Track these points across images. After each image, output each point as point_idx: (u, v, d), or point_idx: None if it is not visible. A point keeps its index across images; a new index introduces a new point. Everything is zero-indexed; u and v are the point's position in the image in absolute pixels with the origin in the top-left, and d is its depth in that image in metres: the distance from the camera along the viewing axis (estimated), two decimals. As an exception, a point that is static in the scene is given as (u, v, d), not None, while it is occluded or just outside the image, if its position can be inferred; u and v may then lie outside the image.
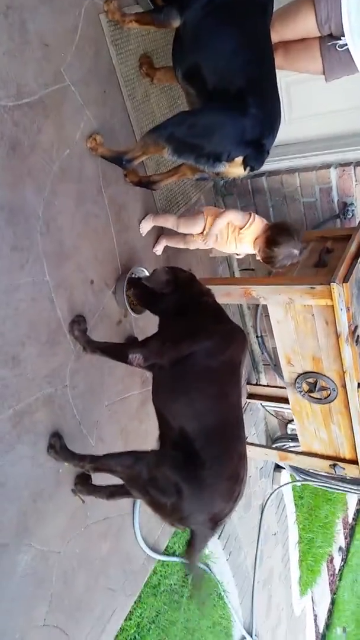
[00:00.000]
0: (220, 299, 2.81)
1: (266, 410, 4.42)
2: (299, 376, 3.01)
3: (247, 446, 3.71)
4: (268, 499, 4.69)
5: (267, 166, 3.39)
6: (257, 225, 2.62)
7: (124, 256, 2.70)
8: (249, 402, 4.18)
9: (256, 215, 2.64)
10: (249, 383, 4.17)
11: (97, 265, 2.51)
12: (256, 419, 4.39)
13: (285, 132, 3.37)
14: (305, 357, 2.90)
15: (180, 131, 2.13)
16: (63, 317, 2.30)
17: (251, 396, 4.17)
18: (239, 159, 2.12)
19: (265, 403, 4.18)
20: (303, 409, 3.14)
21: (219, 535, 3.84)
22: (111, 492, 2.33)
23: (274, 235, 2.52)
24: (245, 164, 2.13)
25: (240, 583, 4.28)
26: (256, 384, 4.21)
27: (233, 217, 2.62)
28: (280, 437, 4.53)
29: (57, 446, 2.24)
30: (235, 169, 2.15)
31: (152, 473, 1.97)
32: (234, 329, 2.16)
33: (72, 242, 2.34)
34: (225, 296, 2.88)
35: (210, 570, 3.81)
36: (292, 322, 2.80)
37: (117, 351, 2.25)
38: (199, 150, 2.11)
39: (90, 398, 2.50)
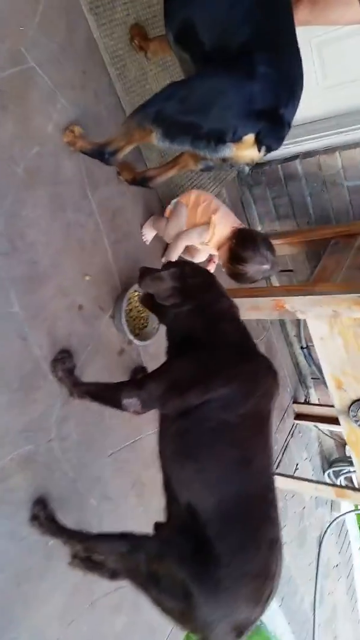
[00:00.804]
0: (247, 314, 2.30)
1: (320, 430, 3.82)
2: (353, 403, 2.43)
3: (295, 481, 3.19)
4: (327, 529, 4.09)
5: (300, 146, 2.82)
6: (220, 232, 2.16)
7: (124, 271, 2.22)
8: (298, 424, 3.60)
9: (217, 218, 2.17)
10: (296, 402, 3.60)
11: (87, 286, 2.05)
12: (308, 440, 3.81)
13: (319, 103, 2.79)
14: None
15: (170, 107, 1.62)
16: (42, 355, 1.86)
17: (300, 417, 3.59)
18: (250, 137, 1.58)
19: (317, 424, 3.59)
20: (360, 440, 2.56)
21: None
22: (114, 571, 1.86)
23: (238, 250, 2.05)
24: (258, 142, 1.59)
25: (298, 629, 3.73)
26: (305, 402, 3.63)
27: (188, 240, 2.21)
28: (338, 460, 3.92)
29: (42, 517, 1.81)
30: (246, 151, 1.62)
31: (153, 567, 1.48)
32: (260, 367, 1.61)
33: (50, 261, 1.89)
34: (253, 310, 2.34)
35: (260, 622, 3.28)
36: (339, 339, 2.22)
37: (109, 395, 1.76)
38: (195, 130, 1.59)
39: (88, 449, 2.05)
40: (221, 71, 1.56)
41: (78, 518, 2.00)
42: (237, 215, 3.04)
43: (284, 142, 2.81)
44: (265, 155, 1.65)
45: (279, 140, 1.62)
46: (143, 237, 2.32)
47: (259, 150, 1.61)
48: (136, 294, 2.25)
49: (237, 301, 1.83)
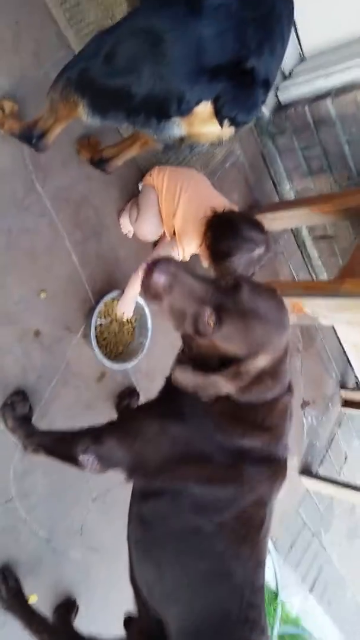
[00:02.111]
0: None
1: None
2: None
3: (338, 486, 2.73)
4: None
5: (331, 80, 2.16)
6: (190, 239, 1.62)
7: (97, 277, 1.78)
8: (346, 412, 3.10)
9: (180, 225, 1.65)
10: (343, 387, 3.08)
11: (44, 306, 1.64)
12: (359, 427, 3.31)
13: (355, 18, 2.06)
14: None
15: (95, 67, 1.10)
16: (-13, 403, 1.51)
17: (349, 404, 3.08)
18: (204, 107, 1.04)
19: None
20: None
21: (311, 589, 2.98)
22: None
23: (217, 245, 1.51)
24: (219, 114, 1.04)
25: (349, 628, 3.41)
26: (357, 388, 3.09)
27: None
28: None
29: (3, 590, 1.52)
30: (203, 127, 1.08)
31: None
32: (258, 475, 1.08)
33: (-16, 284, 1.49)
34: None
35: (307, 631, 2.99)
36: (377, 349, 1.69)
37: (63, 449, 1.33)
38: (127, 99, 1.07)
39: (62, 500, 1.71)
40: (156, 7, 1.00)
41: (57, 579, 1.72)
42: (258, 173, 2.48)
43: (311, 76, 2.20)
44: (234, 130, 1.10)
45: (250, 108, 1.06)
46: (122, 229, 1.85)
47: (221, 125, 1.06)
48: (115, 302, 1.81)
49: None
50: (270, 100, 2.34)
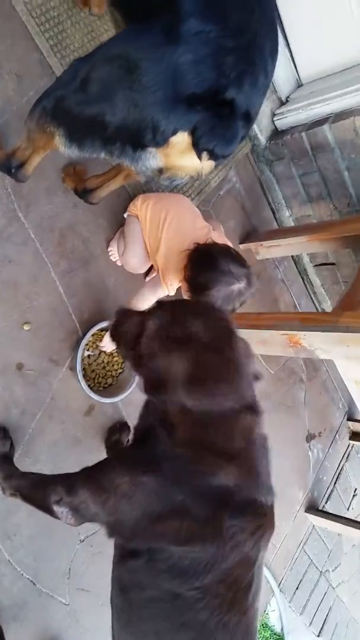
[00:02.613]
0: (255, 349, 1.72)
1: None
2: None
3: (346, 523, 2.60)
4: None
5: (329, 105, 2.12)
6: (174, 275, 1.58)
7: (85, 307, 1.73)
8: (353, 445, 2.98)
9: (163, 262, 1.61)
10: (351, 419, 2.96)
11: (28, 338, 1.58)
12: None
13: (354, 43, 2.03)
14: None
15: (71, 95, 1.07)
16: (-35, 441, 1.44)
17: (357, 436, 2.96)
18: (180, 138, 0.99)
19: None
20: None
21: (319, 633, 2.81)
22: None
23: (194, 278, 1.47)
24: (197, 145, 0.99)
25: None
26: (364, 418, 2.98)
27: (142, 306, 1.66)
28: None
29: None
30: (181, 159, 1.03)
31: None
32: (242, 527, 0.97)
33: None
34: (261, 344, 1.76)
35: None
36: (380, 384, 1.60)
37: (38, 496, 1.26)
38: (102, 128, 1.03)
39: (49, 540, 1.63)
40: (134, 33, 0.97)
41: (43, 625, 1.62)
42: (256, 200, 2.43)
43: (308, 102, 2.17)
44: (213, 164, 1.05)
45: (228, 140, 1.00)
46: (111, 257, 1.80)
47: (199, 157, 1.01)
48: (104, 333, 1.76)
49: (244, 334, 1.21)
50: (267, 126, 2.31)
